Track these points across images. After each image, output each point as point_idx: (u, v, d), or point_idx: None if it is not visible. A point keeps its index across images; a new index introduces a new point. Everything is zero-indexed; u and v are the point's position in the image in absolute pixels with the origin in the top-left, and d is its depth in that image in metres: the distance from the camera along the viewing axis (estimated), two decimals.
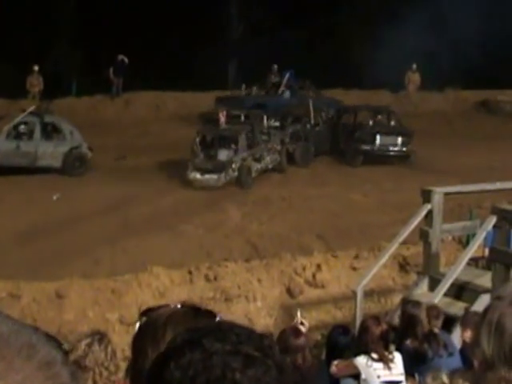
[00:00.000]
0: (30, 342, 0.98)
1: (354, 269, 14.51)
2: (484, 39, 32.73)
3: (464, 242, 13.98)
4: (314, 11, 36.27)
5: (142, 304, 11.90)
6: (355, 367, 7.08)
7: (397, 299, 11.91)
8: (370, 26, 35.80)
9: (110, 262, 16.38)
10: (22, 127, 23.39)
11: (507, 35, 30.53)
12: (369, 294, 12.48)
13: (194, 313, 1.95)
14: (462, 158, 24.12)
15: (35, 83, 31.14)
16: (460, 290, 10.25)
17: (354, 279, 12.24)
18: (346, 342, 7.55)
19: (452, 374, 4.80)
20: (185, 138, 23.90)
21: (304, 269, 14.51)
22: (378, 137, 25.08)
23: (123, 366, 3.80)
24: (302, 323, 6.68)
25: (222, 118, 23.64)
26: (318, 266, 14.54)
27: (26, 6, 35.14)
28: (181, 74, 32.56)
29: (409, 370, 7.10)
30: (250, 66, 32.63)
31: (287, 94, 30.40)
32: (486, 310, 1.82)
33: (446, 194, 11.03)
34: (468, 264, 10.62)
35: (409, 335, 7.51)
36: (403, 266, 14.48)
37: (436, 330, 7.64)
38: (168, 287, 13.95)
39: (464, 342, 7.36)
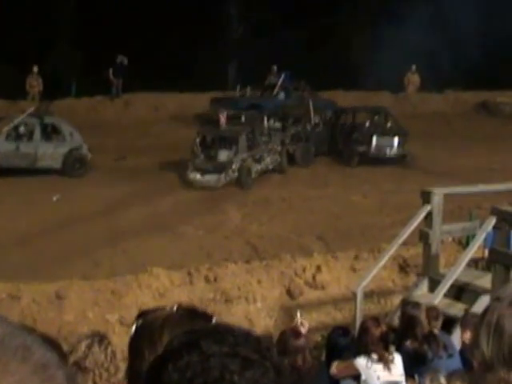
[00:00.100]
0: (25, 344, 0.97)
1: (354, 270, 14.49)
2: (484, 39, 32.72)
3: (464, 243, 13.96)
4: (313, 11, 36.24)
5: (142, 305, 11.91)
6: (355, 368, 7.08)
7: (397, 300, 11.91)
8: (370, 26, 35.84)
9: (110, 262, 16.37)
10: (22, 128, 23.34)
11: (507, 35, 30.49)
12: (369, 295, 12.47)
13: (191, 315, 1.96)
14: (461, 159, 24.11)
15: (35, 84, 31.09)
16: (460, 291, 10.24)
17: (354, 280, 12.23)
18: (346, 343, 7.54)
19: (450, 376, 4.81)
20: (184, 139, 23.90)
21: (304, 270, 14.49)
22: (374, 138, 25.06)
23: (123, 367, 3.77)
24: (301, 324, 6.69)
25: (223, 119, 23.65)
26: (318, 267, 14.51)
27: (26, 6, 35.11)
28: (181, 74, 32.57)
29: (408, 371, 7.10)
30: (249, 66, 32.60)
31: (282, 95, 30.39)
32: (485, 311, 1.82)
33: (446, 195, 11.04)
34: (468, 265, 10.62)
35: (408, 336, 7.50)
36: (403, 267, 14.47)
37: (436, 331, 7.64)
38: (168, 288, 13.93)
39: (464, 343, 7.36)
